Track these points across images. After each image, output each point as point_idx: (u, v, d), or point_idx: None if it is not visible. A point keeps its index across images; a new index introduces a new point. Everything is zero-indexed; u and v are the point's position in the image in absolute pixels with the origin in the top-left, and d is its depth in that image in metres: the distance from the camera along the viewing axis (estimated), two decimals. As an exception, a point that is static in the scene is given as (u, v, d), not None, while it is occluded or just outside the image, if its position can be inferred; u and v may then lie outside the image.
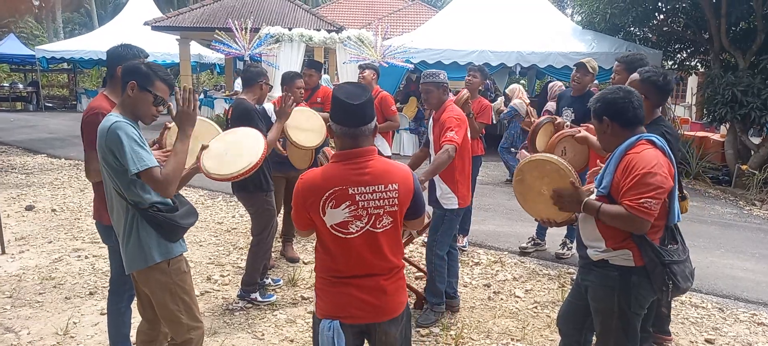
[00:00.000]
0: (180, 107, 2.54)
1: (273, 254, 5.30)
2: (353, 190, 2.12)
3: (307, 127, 4.58)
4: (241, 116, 3.98)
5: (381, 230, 2.19)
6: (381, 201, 2.16)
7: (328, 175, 2.14)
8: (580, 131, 4.00)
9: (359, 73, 5.84)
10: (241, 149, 3.12)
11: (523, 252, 5.83)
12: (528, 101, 9.31)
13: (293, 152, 4.84)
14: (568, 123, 4.87)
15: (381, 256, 2.21)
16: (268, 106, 4.87)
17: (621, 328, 2.61)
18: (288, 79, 4.92)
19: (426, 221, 4.24)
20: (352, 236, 2.15)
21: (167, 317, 2.67)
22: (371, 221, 2.16)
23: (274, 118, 4.75)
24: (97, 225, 3.21)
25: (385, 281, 2.23)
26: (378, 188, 2.15)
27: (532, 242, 5.89)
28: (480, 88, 5.95)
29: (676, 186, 2.63)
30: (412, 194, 2.26)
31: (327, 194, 2.11)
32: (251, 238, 4.42)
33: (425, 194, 4.38)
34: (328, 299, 2.24)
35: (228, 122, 4.23)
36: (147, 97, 2.51)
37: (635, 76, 3.05)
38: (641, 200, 2.35)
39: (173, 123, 3.31)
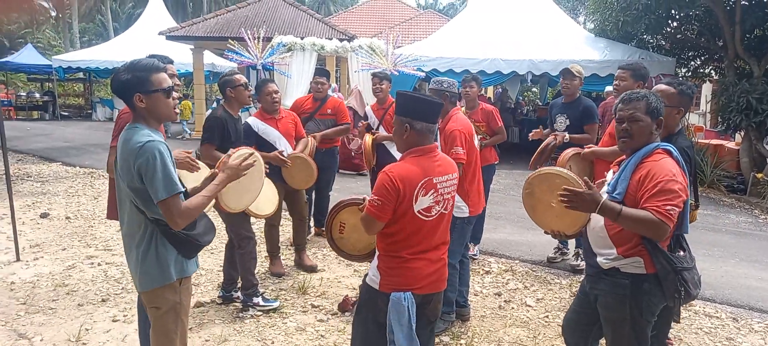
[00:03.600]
0: (232, 162, 2.62)
1: (284, 262, 5.32)
2: (436, 179, 2.54)
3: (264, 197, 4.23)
4: (204, 125, 4.29)
5: (448, 211, 2.65)
6: (450, 187, 2.62)
7: (418, 167, 2.51)
8: (587, 148, 4.00)
9: (377, 83, 5.76)
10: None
11: (550, 262, 5.80)
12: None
13: (292, 173, 4.85)
14: (567, 135, 4.89)
15: (445, 231, 2.67)
16: (252, 121, 4.83)
17: (634, 336, 2.59)
18: (258, 88, 4.91)
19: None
20: (432, 218, 2.55)
21: (161, 337, 2.57)
22: (444, 204, 2.60)
23: (260, 130, 4.77)
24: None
25: (443, 254, 2.67)
26: (449, 177, 2.61)
27: (559, 252, 5.85)
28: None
29: (691, 195, 2.62)
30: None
31: (420, 184, 2.48)
32: (238, 246, 4.37)
33: None
34: (400, 273, 2.53)
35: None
36: (158, 97, 2.40)
37: (670, 89, 3.00)
38: (667, 207, 2.35)
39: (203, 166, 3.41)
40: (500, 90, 17.50)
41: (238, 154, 2.98)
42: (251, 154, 2.73)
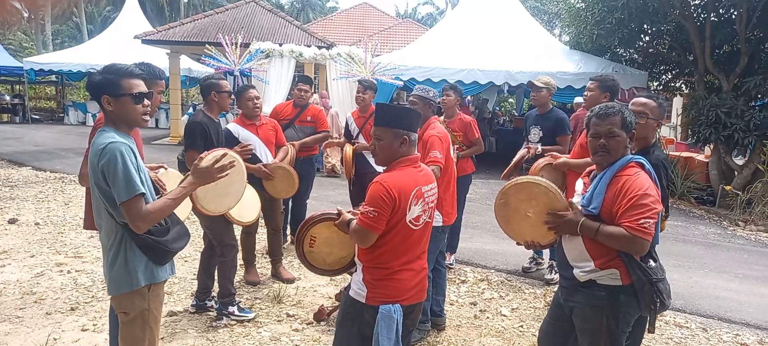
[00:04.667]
0: (203, 166, 2.54)
1: (259, 270, 5.27)
2: (424, 189, 2.59)
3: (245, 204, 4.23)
4: (185, 131, 4.30)
5: (431, 220, 2.69)
6: (434, 196, 2.67)
7: (409, 177, 2.54)
8: (558, 158, 4.05)
9: (361, 91, 5.74)
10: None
11: (525, 271, 5.85)
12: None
13: (273, 183, 4.82)
14: (539, 147, 4.98)
15: (426, 242, 2.70)
16: (232, 127, 4.81)
17: None
18: (238, 94, 4.89)
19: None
20: (419, 226, 2.59)
21: (129, 342, 2.55)
22: (428, 213, 2.64)
23: (241, 136, 4.76)
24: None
25: (424, 263, 2.70)
26: (432, 186, 2.66)
27: (534, 262, 5.91)
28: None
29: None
30: None
31: (413, 193, 2.51)
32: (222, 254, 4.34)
33: None
34: (389, 284, 2.53)
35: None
36: (125, 101, 2.42)
37: (652, 103, 3.13)
38: (641, 221, 2.40)
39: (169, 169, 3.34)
40: (469, 100, 17.59)
41: (211, 156, 2.95)
42: (224, 155, 2.64)
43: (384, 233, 2.49)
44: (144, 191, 2.36)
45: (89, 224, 3.25)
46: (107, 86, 2.41)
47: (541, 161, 4.10)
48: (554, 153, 4.33)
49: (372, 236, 2.48)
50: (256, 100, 4.81)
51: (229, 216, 4.06)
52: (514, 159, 4.89)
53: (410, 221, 2.52)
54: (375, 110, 2.71)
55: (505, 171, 4.82)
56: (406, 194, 2.48)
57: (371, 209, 2.44)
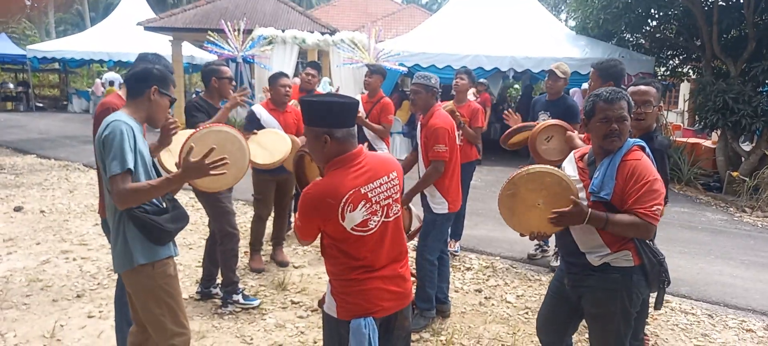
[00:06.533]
0: (195, 161, 2.44)
1: (263, 258, 5.27)
2: (365, 189, 2.21)
3: (270, 148, 4.43)
4: (185, 115, 4.28)
5: (393, 218, 2.32)
6: (388, 191, 2.29)
7: (338, 182, 2.18)
8: (572, 129, 3.98)
9: (367, 76, 5.73)
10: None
11: (531, 258, 5.84)
12: None
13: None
14: None
15: (395, 242, 2.34)
16: (257, 109, 4.90)
17: (622, 328, 2.63)
18: (271, 79, 4.95)
19: (416, 224, 4.19)
20: (372, 231, 2.24)
21: (150, 320, 2.62)
22: (384, 212, 2.28)
23: (263, 119, 4.79)
24: (102, 222, 3.26)
25: (401, 267, 2.37)
26: (383, 180, 2.27)
27: (539, 249, 5.89)
28: (474, 90, 5.93)
29: None
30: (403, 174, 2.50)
31: (344, 200, 2.16)
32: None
33: (417, 199, 4.40)
34: (355, 299, 2.27)
35: None
36: (165, 101, 2.60)
37: (653, 90, 3.13)
38: (653, 207, 2.41)
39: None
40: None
41: (201, 134, 2.98)
42: (212, 150, 2.46)
43: (332, 245, 2.27)
44: (130, 168, 2.38)
45: (103, 210, 3.25)
46: (163, 81, 2.57)
47: (555, 121, 4.03)
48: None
49: (302, 241, 2.34)
50: (287, 88, 4.90)
51: (257, 164, 4.26)
52: (515, 127, 4.68)
53: (353, 229, 2.20)
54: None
55: (504, 135, 4.60)
56: (331, 202, 2.15)
57: (298, 217, 2.27)
